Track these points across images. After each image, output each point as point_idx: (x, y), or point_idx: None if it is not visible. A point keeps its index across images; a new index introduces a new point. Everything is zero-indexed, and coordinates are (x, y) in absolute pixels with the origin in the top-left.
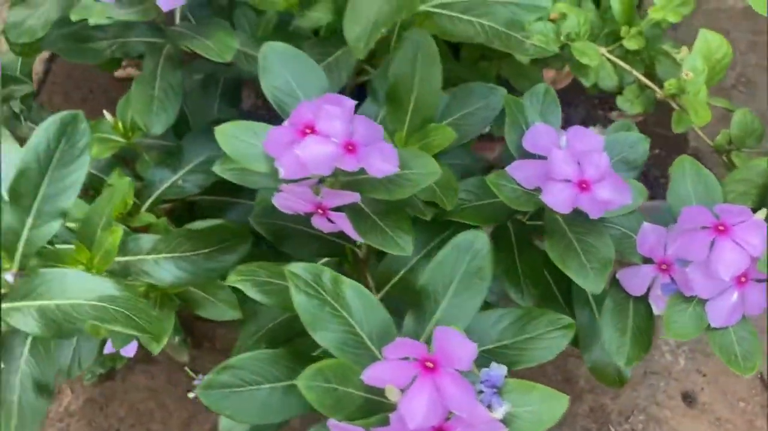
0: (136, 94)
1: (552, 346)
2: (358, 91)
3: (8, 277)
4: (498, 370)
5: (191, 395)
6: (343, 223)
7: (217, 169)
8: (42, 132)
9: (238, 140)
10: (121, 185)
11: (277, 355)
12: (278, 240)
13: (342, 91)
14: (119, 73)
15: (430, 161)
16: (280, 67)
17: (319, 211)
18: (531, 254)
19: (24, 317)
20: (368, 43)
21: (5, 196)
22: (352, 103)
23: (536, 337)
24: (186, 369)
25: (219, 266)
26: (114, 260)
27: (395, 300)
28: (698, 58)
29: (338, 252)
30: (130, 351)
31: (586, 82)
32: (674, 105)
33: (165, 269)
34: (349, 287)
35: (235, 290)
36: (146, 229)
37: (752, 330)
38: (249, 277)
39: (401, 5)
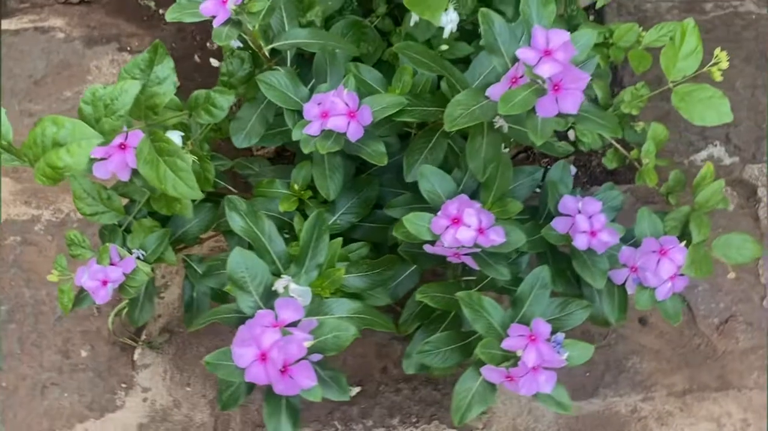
0: (316, 173)
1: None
2: None
3: None
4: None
5: None
6: (468, 260)
7: (397, 234)
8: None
9: (415, 224)
10: (334, 244)
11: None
12: (414, 260)
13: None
14: None
15: (516, 229)
16: (430, 178)
17: (456, 254)
18: (561, 262)
19: None
20: (485, 173)
21: None
22: (479, 204)
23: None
24: None
25: (382, 279)
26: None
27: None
28: (651, 144)
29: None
30: None
31: (584, 148)
32: (637, 165)
33: (354, 282)
34: (486, 301)
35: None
36: None
37: (676, 300)
38: (429, 294)
39: (498, 154)
